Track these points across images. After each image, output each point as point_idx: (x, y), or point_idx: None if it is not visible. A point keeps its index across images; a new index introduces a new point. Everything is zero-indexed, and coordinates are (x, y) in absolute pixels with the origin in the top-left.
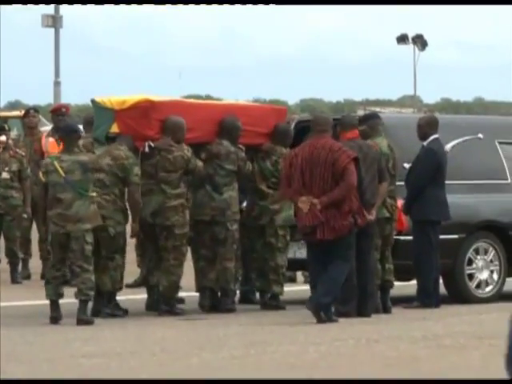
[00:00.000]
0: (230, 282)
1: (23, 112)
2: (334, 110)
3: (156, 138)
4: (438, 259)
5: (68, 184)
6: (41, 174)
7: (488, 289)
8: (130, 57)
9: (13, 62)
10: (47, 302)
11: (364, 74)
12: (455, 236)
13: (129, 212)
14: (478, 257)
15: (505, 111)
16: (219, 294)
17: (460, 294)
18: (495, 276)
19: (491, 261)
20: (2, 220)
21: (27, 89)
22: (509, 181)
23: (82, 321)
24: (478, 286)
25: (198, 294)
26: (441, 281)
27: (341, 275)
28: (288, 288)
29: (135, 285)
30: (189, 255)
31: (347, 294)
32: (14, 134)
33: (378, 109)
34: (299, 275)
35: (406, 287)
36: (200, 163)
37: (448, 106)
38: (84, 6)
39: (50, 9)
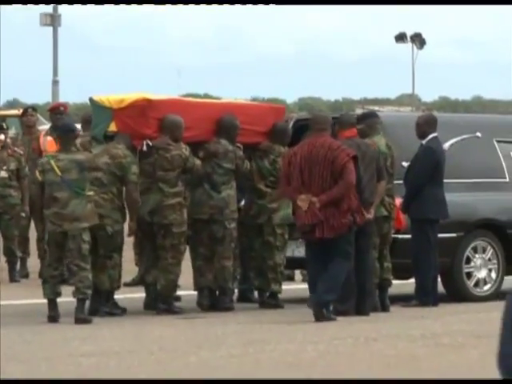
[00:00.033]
0: (228, 280)
1: (21, 111)
2: (333, 109)
3: (154, 137)
4: (437, 258)
5: (64, 183)
6: (37, 173)
7: (486, 287)
8: (128, 55)
9: (11, 60)
10: (45, 300)
11: (362, 72)
12: (453, 234)
13: (126, 210)
14: (477, 255)
15: (503, 110)
16: (217, 292)
17: (458, 293)
18: (493, 274)
19: (489, 259)
20: (0, 219)
21: (25, 87)
22: (507, 179)
23: (80, 319)
24: (477, 284)
25: (196, 293)
26: (439, 279)
27: (341, 273)
28: (286, 286)
29: (133, 283)
30: (187, 254)
31: (345, 292)
32: (12, 132)
33: (376, 107)
34: (297, 274)
35: (405, 286)
36: (198, 162)
37: (446, 104)
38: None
39: (48, 7)
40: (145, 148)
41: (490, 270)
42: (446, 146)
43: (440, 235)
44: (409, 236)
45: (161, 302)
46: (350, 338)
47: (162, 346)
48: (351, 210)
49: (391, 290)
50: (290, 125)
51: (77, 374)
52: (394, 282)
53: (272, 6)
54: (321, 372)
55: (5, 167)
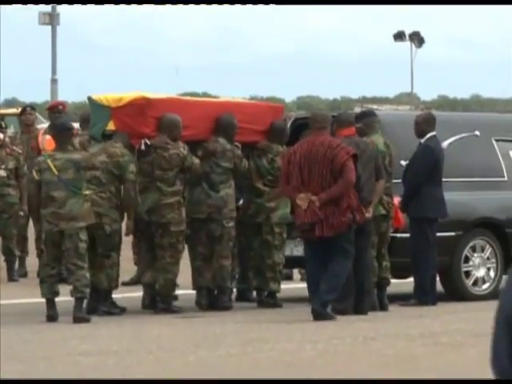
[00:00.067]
0: (226, 279)
1: (20, 109)
2: (331, 108)
3: (152, 136)
4: (435, 257)
5: (61, 182)
6: (34, 172)
7: (485, 286)
8: (126, 54)
9: (10, 59)
10: (44, 299)
11: (361, 71)
12: (452, 233)
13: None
14: (475, 254)
15: (501, 108)
16: (216, 292)
17: (457, 292)
18: (492, 273)
19: (488, 258)
20: None
21: (24, 86)
22: (505, 178)
23: (79, 318)
24: (475, 283)
25: (194, 292)
26: (438, 278)
27: (343, 272)
28: (285, 286)
29: (132, 283)
30: (185, 253)
31: (344, 291)
32: (10, 131)
33: (374, 106)
34: (296, 273)
35: (403, 285)
36: (196, 161)
37: (445, 103)
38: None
39: (46, 6)
40: (143, 147)
41: (488, 269)
42: (445, 144)
43: (439, 234)
44: (407, 235)
45: (160, 301)
46: (348, 338)
47: (160, 345)
48: (351, 209)
49: (390, 289)
50: (289, 124)
51: (75, 373)
52: (393, 281)
53: (271, 6)
54: (319, 371)
55: (3, 166)
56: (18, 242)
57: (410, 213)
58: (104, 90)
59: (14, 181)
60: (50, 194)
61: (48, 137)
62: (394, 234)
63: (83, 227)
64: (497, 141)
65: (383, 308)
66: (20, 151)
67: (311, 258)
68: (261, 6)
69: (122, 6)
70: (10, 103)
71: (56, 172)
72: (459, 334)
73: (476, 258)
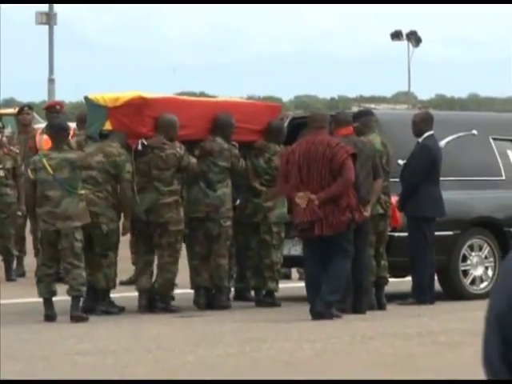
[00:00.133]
0: (223, 278)
1: (17, 109)
2: (329, 107)
3: (149, 136)
4: (433, 256)
5: (56, 181)
6: (29, 172)
7: (483, 285)
8: (123, 54)
9: (7, 59)
10: (42, 299)
11: (358, 70)
12: (450, 232)
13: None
14: (473, 253)
15: (499, 107)
16: (213, 291)
17: (455, 291)
18: (490, 272)
19: (486, 257)
20: None
21: (21, 86)
22: (503, 177)
23: (76, 317)
24: (473, 282)
25: (192, 291)
26: (436, 277)
27: (343, 271)
28: (283, 285)
29: (129, 282)
30: (183, 253)
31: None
32: (8, 131)
33: (372, 105)
34: (294, 272)
35: (401, 284)
36: (193, 160)
37: (442, 102)
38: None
39: (43, 6)
40: (140, 147)
41: (486, 268)
42: (442, 143)
43: (436, 233)
44: (405, 234)
45: (158, 300)
46: (346, 337)
47: (159, 344)
48: (350, 208)
49: (388, 288)
50: (286, 123)
51: (73, 373)
52: (391, 280)
53: (268, 6)
54: (317, 370)
55: (1, 166)
56: (15, 242)
57: (408, 212)
58: (101, 89)
59: (12, 180)
60: (45, 194)
61: (45, 137)
62: (392, 233)
63: (79, 227)
64: (494, 140)
65: (381, 307)
66: (17, 151)
67: (310, 257)
68: (259, 6)
69: (119, 6)
70: (8, 103)
71: (51, 171)
72: (457, 333)
73: (474, 257)
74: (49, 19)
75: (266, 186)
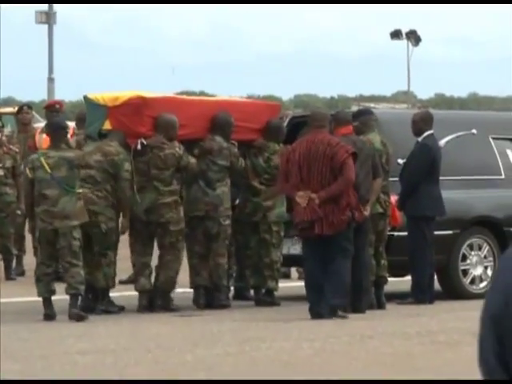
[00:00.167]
0: (222, 277)
1: (17, 108)
2: (328, 106)
3: (148, 135)
4: (433, 255)
5: (54, 180)
6: (27, 170)
7: (482, 285)
8: (123, 53)
9: (6, 58)
10: (41, 298)
11: (358, 69)
12: (449, 232)
13: None
14: (472, 252)
15: (498, 106)
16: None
17: (454, 290)
18: (489, 272)
19: (485, 257)
20: None
21: (21, 85)
22: (503, 176)
23: (74, 315)
24: (472, 281)
25: (192, 290)
26: (435, 277)
27: (344, 271)
28: (282, 284)
29: (129, 281)
30: (183, 252)
31: None
32: (7, 130)
33: (372, 104)
34: (293, 271)
35: (401, 283)
36: (193, 160)
37: (442, 101)
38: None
39: (43, 5)
40: (139, 147)
41: (485, 268)
42: (442, 143)
43: (436, 232)
44: (405, 233)
45: (159, 297)
46: (345, 336)
47: (158, 343)
48: (350, 207)
49: (387, 288)
50: (286, 122)
51: (73, 373)
52: (390, 279)
53: (268, 5)
54: (316, 370)
55: (0, 165)
56: (15, 241)
57: (408, 211)
58: (101, 88)
59: (11, 180)
60: (43, 192)
61: (45, 136)
62: (392, 233)
63: (77, 225)
64: (494, 139)
65: (381, 306)
66: (17, 150)
67: (310, 256)
68: (259, 6)
69: (119, 5)
70: (7, 102)
71: (49, 170)
72: (456, 332)
73: (473, 257)
74: (48, 18)
75: (265, 185)
